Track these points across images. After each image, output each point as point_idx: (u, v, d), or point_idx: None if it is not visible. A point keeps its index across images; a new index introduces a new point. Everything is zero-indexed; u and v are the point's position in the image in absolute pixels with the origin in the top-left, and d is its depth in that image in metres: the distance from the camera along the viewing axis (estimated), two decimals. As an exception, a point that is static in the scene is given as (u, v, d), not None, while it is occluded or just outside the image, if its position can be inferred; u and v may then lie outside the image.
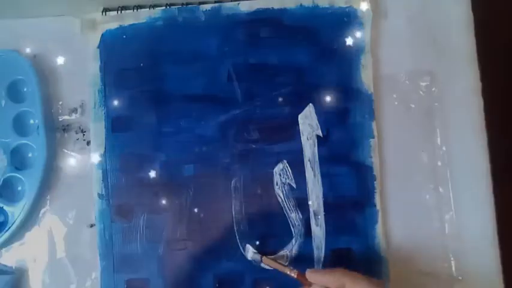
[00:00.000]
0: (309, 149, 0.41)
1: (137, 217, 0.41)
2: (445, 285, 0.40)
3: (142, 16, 0.43)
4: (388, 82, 0.43)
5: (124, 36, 0.43)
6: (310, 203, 0.41)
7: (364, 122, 0.41)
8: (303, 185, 0.41)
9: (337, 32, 0.42)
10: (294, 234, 0.41)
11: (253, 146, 0.42)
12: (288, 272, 0.38)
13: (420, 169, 0.42)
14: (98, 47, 0.43)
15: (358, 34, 0.42)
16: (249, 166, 0.41)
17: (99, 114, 0.43)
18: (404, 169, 0.42)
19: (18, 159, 0.43)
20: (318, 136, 0.41)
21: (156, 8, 0.44)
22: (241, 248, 0.41)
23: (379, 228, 0.40)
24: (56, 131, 0.44)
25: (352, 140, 0.41)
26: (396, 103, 0.43)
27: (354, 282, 0.33)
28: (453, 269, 0.41)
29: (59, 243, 0.43)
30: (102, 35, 0.43)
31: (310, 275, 0.36)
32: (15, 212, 0.42)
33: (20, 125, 0.43)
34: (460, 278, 0.40)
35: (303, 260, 0.40)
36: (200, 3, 0.44)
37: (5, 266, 0.43)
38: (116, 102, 0.43)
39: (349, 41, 0.42)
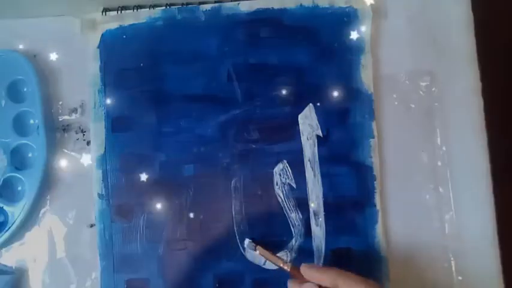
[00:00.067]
0: (309, 149, 0.41)
1: (137, 217, 0.41)
2: (445, 285, 0.40)
3: (142, 16, 0.43)
4: (388, 82, 0.43)
5: (124, 36, 0.43)
6: (310, 203, 0.41)
7: (364, 122, 0.41)
8: (303, 185, 0.41)
9: (337, 32, 0.42)
10: (294, 234, 0.41)
11: (253, 146, 0.42)
12: (281, 265, 0.38)
13: (420, 169, 0.42)
14: (98, 47, 0.43)
15: (358, 34, 0.42)
16: (249, 166, 0.41)
17: (99, 114, 0.43)
18: (404, 169, 0.42)
19: (18, 159, 0.43)
20: (318, 136, 0.41)
21: (156, 8, 0.44)
22: (241, 248, 0.41)
23: (379, 228, 0.40)
24: (56, 131, 0.44)
25: (352, 140, 0.41)
26: (396, 103, 0.43)
27: (348, 283, 0.33)
28: (453, 269, 0.41)
29: (59, 243, 0.43)
30: (102, 35, 0.43)
31: (304, 269, 0.35)
32: (15, 212, 0.42)
33: (20, 125, 0.43)
34: (460, 278, 0.40)
35: (303, 260, 0.40)
36: (200, 3, 0.44)
37: (5, 266, 0.43)
38: (116, 102, 0.43)
39: (349, 41, 0.42)
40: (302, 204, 0.41)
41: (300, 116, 0.42)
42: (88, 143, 0.43)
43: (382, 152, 0.42)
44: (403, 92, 0.43)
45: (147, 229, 0.41)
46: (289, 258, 0.40)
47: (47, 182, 0.43)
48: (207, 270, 0.40)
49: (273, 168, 0.41)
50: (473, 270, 0.40)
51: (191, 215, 0.41)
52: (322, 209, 0.41)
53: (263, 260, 0.40)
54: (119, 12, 0.44)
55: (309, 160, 0.41)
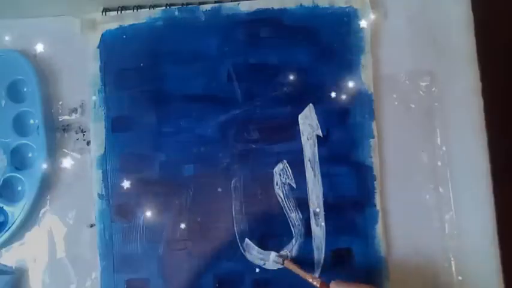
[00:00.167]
0: (309, 149, 0.41)
1: (137, 217, 0.41)
2: (445, 285, 0.40)
3: (142, 16, 0.43)
4: (388, 82, 0.43)
5: (124, 36, 0.43)
6: (310, 203, 0.41)
7: (364, 122, 0.41)
8: (303, 185, 0.41)
9: (337, 32, 0.42)
10: (294, 234, 0.41)
11: (253, 146, 0.42)
12: (310, 280, 0.37)
13: (420, 169, 0.42)
14: (98, 47, 0.43)
15: (358, 34, 0.42)
16: (249, 166, 0.41)
17: (99, 114, 0.43)
18: (404, 169, 0.42)
19: (18, 159, 0.43)
20: (318, 136, 0.41)
21: (156, 8, 0.44)
22: (241, 248, 0.41)
23: (379, 228, 0.40)
24: (56, 131, 0.44)
25: (352, 140, 0.41)
26: (396, 103, 0.43)
27: None
28: (453, 269, 0.41)
29: (59, 243, 0.43)
30: (102, 35, 0.43)
31: (334, 287, 0.35)
32: (15, 212, 0.42)
33: (20, 125, 0.43)
34: (460, 278, 0.40)
35: (303, 260, 0.40)
36: (200, 3, 0.44)
37: (5, 266, 0.43)
38: (116, 102, 0.43)
39: (349, 41, 0.42)
40: (302, 204, 0.41)
41: (300, 116, 0.42)
42: (88, 143, 0.43)
43: (382, 152, 0.42)
44: (403, 92, 0.43)
45: (147, 229, 0.41)
46: (289, 258, 0.40)
47: (47, 182, 0.43)
48: (207, 270, 0.40)
49: (273, 168, 0.41)
50: (473, 270, 0.40)
51: (191, 215, 0.41)
52: (322, 209, 0.41)
53: (263, 260, 0.40)
54: (119, 12, 0.44)
55: (309, 160, 0.41)
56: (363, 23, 0.42)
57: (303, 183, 0.41)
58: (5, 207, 0.42)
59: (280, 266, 0.40)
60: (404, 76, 0.43)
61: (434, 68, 0.43)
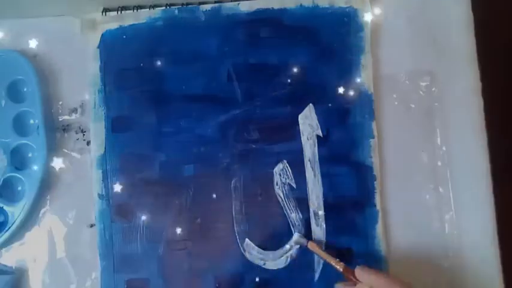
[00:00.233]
0: (309, 149, 0.41)
1: (137, 217, 0.41)
2: (445, 285, 0.40)
3: (142, 16, 0.43)
4: (388, 82, 0.43)
5: (124, 37, 0.43)
6: (310, 203, 0.41)
7: (364, 122, 0.41)
8: (303, 185, 0.41)
9: (337, 32, 0.42)
10: (293, 234, 0.41)
11: (253, 146, 0.42)
12: (334, 264, 0.37)
13: (420, 169, 0.42)
14: (98, 47, 0.43)
15: (358, 34, 0.42)
16: (249, 166, 0.41)
17: (99, 114, 0.43)
18: (404, 169, 0.42)
19: (18, 159, 0.43)
20: (318, 136, 0.41)
21: (156, 8, 0.44)
22: (241, 248, 0.41)
23: (379, 228, 0.40)
24: (56, 131, 0.44)
25: (352, 140, 0.41)
26: (396, 103, 0.43)
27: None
28: (453, 268, 0.41)
29: (59, 243, 0.43)
30: (102, 35, 0.43)
31: (359, 272, 0.35)
32: (15, 212, 0.42)
33: (20, 125, 0.43)
34: (460, 277, 0.40)
35: (303, 260, 0.40)
36: (200, 3, 0.44)
37: (5, 266, 0.43)
38: (115, 102, 0.43)
39: (349, 41, 0.42)
40: (302, 204, 0.41)
41: (300, 116, 0.42)
42: (88, 143, 0.43)
43: (382, 152, 0.42)
44: (403, 92, 0.43)
45: (147, 229, 0.41)
46: (289, 260, 0.40)
47: (47, 182, 0.43)
48: (207, 270, 0.40)
49: (273, 168, 0.41)
50: (473, 270, 0.40)
51: (191, 215, 0.41)
52: (322, 209, 0.41)
53: (263, 260, 0.40)
54: (119, 12, 0.44)
55: (309, 160, 0.41)
56: (363, 23, 0.42)
57: (303, 183, 0.41)
58: (5, 207, 0.42)
59: (283, 261, 0.40)
60: (404, 76, 0.43)
61: (434, 68, 0.43)
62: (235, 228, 0.41)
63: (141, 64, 0.43)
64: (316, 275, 0.40)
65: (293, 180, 0.41)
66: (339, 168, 0.41)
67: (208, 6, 0.43)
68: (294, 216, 0.41)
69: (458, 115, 0.42)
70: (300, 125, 0.42)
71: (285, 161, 0.41)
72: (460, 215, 0.41)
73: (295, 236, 0.40)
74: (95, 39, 0.43)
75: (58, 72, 0.45)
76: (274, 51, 0.42)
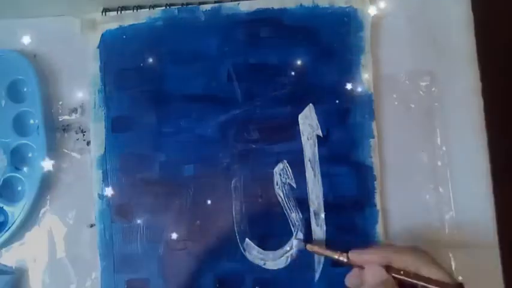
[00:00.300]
0: (309, 149, 0.41)
1: (137, 217, 0.41)
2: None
3: (142, 16, 0.43)
4: (388, 82, 0.43)
5: (124, 37, 0.43)
6: (310, 203, 0.41)
7: (364, 122, 0.41)
8: (303, 185, 0.41)
9: (337, 32, 0.42)
10: (294, 234, 0.41)
11: (253, 146, 0.42)
12: (337, 257, 0.37)
13: (420, 169, 0.42)
14: (98, 47, 0.43)
15: (358, 34, 0.42)
16: (249, 166, 0.41)
17: (99, 114, 0.42)
18: (404, 169, 0.42)
19: (18, 159, 0.43)
20: (318, 136, 0.41)
21: (156, 8, 0.44)
22: (241, 248, 0.41)
23: (379, 228, 0.40)
24: (56, 131, 0.44)
25: (352, 140, 0.41)
26: (396, 103, 0.43)
27: (399, 256, 0.33)
28: (453, 268, 0.41)
29: (59, 243, 0.43)
30: (102, 35, 0.43)
31: (354, 256, 0.35)
32: (15, 212, 0.42)
33: (20, 125, 0.43)
34: (460, 278, 0.40)
35: (303, 260, 0.40)
36: (200, 3, 0.44)
37: (5, 266, 0.43)
38: (116, 102, 0.43)
39: (349, 41, 0.42)
40: (302, 204, 0.41)
41: (300, 116, 0.42)
42: (88, 143, 0.43)
43: (382, 152, 0.42)
44: (403, 92, 0.43)
45: (147, 229, 0.41)
46: (289, 260, 0.40)
47: (47, 182, 0.43)
48: (208, 270, 0.40)
49: (273, 168, 0.41)
50: (473, 271, 0.40)
51: (191, 215, 0.41)
52: (322, 209, 0.41)
53: (263, 260, 0.40)
54: (119, 12, 0.44)
55: (309, 160, 0.41)
56: (363, 23, 0.42)
57: (303, 183, 0.41)
58: (5, 207, 0.42)
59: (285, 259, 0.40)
60: (404, 76, 0.43)
61: (434, 68, 0.43)
62: (235, 228, 0.41)
63: (141, 64, 0.43)
64: (317, 275, 0.40)
65: (293, 180, 0.41)
66: (339, 168, 0.41)
67: (208, 6, 0.43)
68: (294, 216, 0.41)
69: (458, 115, 0.42)
70: (300, 125, 0.42)
71: (285, 161, 0.41)
72: (460, 215, 0.41)
73: (294, 243, 0.40)
74: (94, 39, 0.43)
75: (58, 72, 0.45)
76: (274, 51, 0.42)
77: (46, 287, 0.42)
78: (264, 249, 0.40)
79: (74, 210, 0.43)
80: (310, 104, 0.42)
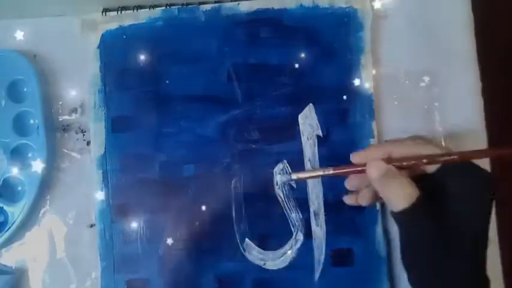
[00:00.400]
0: (309, 148, 0.41)
1: (137, 217, 0.41)
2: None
3: (142, 16, 0.43)
4: (388, 82, 0.43)
5: (124, 37, 0.43)
6: (310, 203, 0.41)
7: (364, 122, 0.41)
8: (303, 185, 0.41)
9: (337, 32, 0.42)
10: (294, 234, 0.41)
11: (254, 146, 0.42)
12: (323, 173, 0.36)
13: (420, 169, 0.42)
14: (98, 47, 0.43)
15: (358, 34, 0.42)
16: (249, 166, 0.41)
17: (99, 114, 0.43)
18: (404, 169, 0.42)
19: (18, 159, 0.43)
20: (318, 136, 0.41)
21: (156, 8, 0.44)
22: (241, 248, 0.41)
23: (379, 228, 0.40)
24: (56, 131, 0.44)
25: (352, 140, 0.41)
26: (396, 103, 0.43)
27: (398, 146, 0.33)
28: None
29: (59, 243, 0.43)
30: (102, 35, 0.43)
31: (355, 157, 0.35)
32: (15, 212, 0.42)
33: (20, 125, 0.43)
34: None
35: (304, 260, 0.40)
36: (200, 3, 0.44)
37: (5, 266, 0.43)
38: (116, 103, 0.43)
39: (349, 41, 0.42)
40: (302, 204, 0.41)
41: (300, 116, 0.42)
42: (88, 143, 0.43)
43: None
44: (403, 91, 0.43)
45: (147, 229, 0.41)
46: (289, 260, 0.40)
47: (47, 182, 0.43)
48: (208, 270, 0.40)
49: (273, 168, 0.41)
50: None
51: (191, 214, 0.41)
52: (322, 209, 0.41)
53: (263, 260, 0.40)
54: (119, 12, 0.44)
55: (309, 160, 0.41)
56: (363, 23, 0.42)
57: (303, 183, 0.41)
58: (5, 207, 0.42)
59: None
60: (404, 76, 0.43)
61: (434, 67, 0.43)
62: (235, 228, 0.41)
63: (141, 64, 0.43)
64: (317, 275, 0.40)
65: (291, 182, 0.41)
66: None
67: (208, 6, 0.43)
68: (294, 216, 0.41)
69: (458, 115, 0.42)
70: (300, 125, 0.42)
71: (285, 161, 0.41)
72: (460, 215, 0.41)
73: (278, 178, 0.40)
74: (95, 39, 0.43)
75: (58, 72, 0.45)
76: (275, 52, 0.42)
77: (46, 287, 0.42)
78: (264, 249, 0.40)
79: (74, 210, 0.43)
80: (310, 104, 0.42)
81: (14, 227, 0.41)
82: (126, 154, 0.42)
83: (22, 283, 0.42)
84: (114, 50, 0.43)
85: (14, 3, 0.43)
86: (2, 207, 0.42)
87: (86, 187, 0.42)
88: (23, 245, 0.43)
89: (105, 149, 0.42)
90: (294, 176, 0.37)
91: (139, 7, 0.44)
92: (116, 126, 0.42)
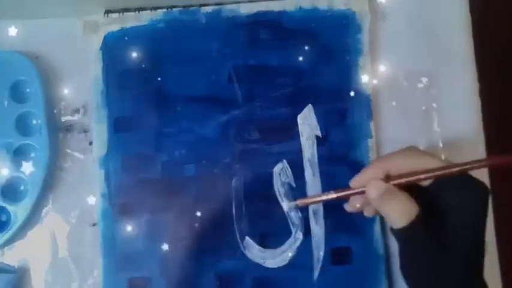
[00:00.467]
0: (308, 149, 0.42)
1: (139, 216, 0.42)
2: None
3: (144, 18, 0.44)
4: (386, 83, 0.43)
5: (126, 38, 0.44)
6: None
7: (362, 123, 0.42)
8: (302, 185, 0.41)
9: (336, 34, 0.43)
10: (293, 233, 0.41)
11: (254, 146, 0.42)
12: (326, 198, 0.36)
13: (418, 169, 0.42)
14: (100, 48, 0.43)
15: (357, 36, 0.42)
16: (249, 166, 0.42)
17: (102, 114, 0.43)
18: (403, 169, 0.42)
19: (21, 159, 0.43)
20: (317, 136, 0.42)
21: (158, 10, 0.44)
22: (241, 246, 0.41)
23: (377, 226, 0.41)
24: (59, 131, 0.44)
25: (350, 140, 0.42)
26: (394, 103, 0.43)
27: (394, 163, 0.33)
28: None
29: (62, 242, 0.43)
30: (104, 36, 0.43)
31: (354, 182, 0.34)
32: (18, 211, 0.42)
33: (22, 125, 0.43)
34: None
35: (303, 259, 0.41)
36: (201, 5, 0.44)
37: (8, 265, 0.43)
38: (118, 103, 0.43)
39: (347, 43, 0.42)
40: (302, 203, 0.41)
41: (299, 117, 0.42)
42: (90, 143, 0.44)
43: (380, 152, 0.42)
44: (401, 92, 0.43)
45: (148, 228, 0.41)
46: (289, 258, 0.41)
47: (50, 181, 0.43)
48: (208, 268, 0.41)
49: (273, 168, 0.42)
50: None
51: (192, 214, 0.41)
52: (321, 208, 0.41)
53: (263, 259, 0.41)
54: (121, 14, 0.44)
55: (308, 160, 0.42)
56: (362, 25, 0.42)
57: (303, 182, 0.41)
58: (8, 207, 0.42)
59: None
60: (403, 77, 0.43)
61: (432, 68, 0.43)
62: (236, 227, 0.41)
63: (143, 65, 0.43)
64: (316, 273, 0.40)
65: (292, 180, 0.41)
66: (337, 168, 0.41)
67: (209, 9, 0.44)
68: (294, 215, 0.41)
69: (456, 116, 0.43)
70: (299, 126, 0.42)
71: (284, 161, 0.42)
72: (458, 214, 0.41)
73: (285, 206, 0.40)
74: (97, 40, 0.43)
75: (60, 73, 0.45)
76: (274, 53, 0.43)
77: (48, 286, 0.42)
78: (264, 247, 0.41)
79: (76, 210, 0.43)
80: (309, 105, 0.42)
81: (16, 226, 0.42)
82: (128, 154, 0.42)
83: (24, 282, 0.42)
84: (116, 51, 0.43)
85: (16, 4, 0.43)
86: (5, 207, 0.42)
87: (88, 187, 0.43)
88: (26, 244, 0.43)
89: (107, 149, 0.42)
90: (300, 203, 0.38)
91: (141, 9, 0.44)
92: (117, 127, 0.43)
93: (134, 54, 0.43)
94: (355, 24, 0.43)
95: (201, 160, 0.42)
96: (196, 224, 0.41)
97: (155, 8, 0.44)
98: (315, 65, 0.43)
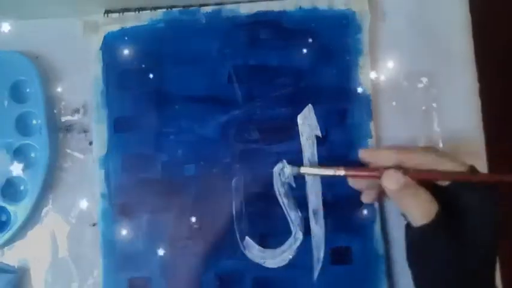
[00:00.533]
0: (308, 149, 0.42)
1: (139, 216, 0.42)
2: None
3: (144, 18, 0.44)
4: (386, 83, 0.43)
5: (126, 38, 0.44)
6: (309, 202, 0.41)
7: (362, 123, 0.42)
8: (302, 184, 0.41)
9: (336, 34, 0.43)
10: (293, 233, 0.41)
11: (254, 146, 0.42)
12: (333, 173, 0.35)
13: (418, 169, 0.42)
14: (100, 48, 0.43)
15: (357, 36, 0.43)
16: (249, 166, 0.42)
17: (102, 114, 0.43)
18: (402, 169, 0.42)
19: (21, 159, 0.43)
20: (317, 136, 0.42)
21: (158, 10, 0.44)
22: (241, 246, 0.41)
23: (377, 226, 0.41)
24: (59, 131, 0.44)
25: (350, 140, 0.42)
26: (394, 103, 0.43)
27: (412, 158, 0.33)
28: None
29: (62, 242, 0.43)
30: (104, 36, 0.43)
31: (364, 153, 0.35)
32: (18, 211, 0.42)
33: (22, 125, 0.43)
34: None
35: (303, 259, 0.41)
36: (201, 5, 0.44)
37: (7, 265, 0.43)
38: (117, 103, 0.43)
39: (347, 43, 0.43)
40: (301, 203, 0.41)
41: (299, 117, 0.42)
42: (90, 143, 0.44)
43: (381, 152, 0.42)
44: (401, 92, 0.43)
45: (149, 228, 0.42)
46: (289, 258, 0.41)
47: (50, 181, 0.43)
48: (209, 268, 0.41)
49: (273, 168, 0.42)
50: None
51: (192, 214, 0.41)
52: (321, 208, 0.41)
53: (263, 259, 0.41)
54: (121, 14, 0.44)
55: (308, 160, 0.42)
56: (362, 25, 0.42)
57: (302, 182, 0.41)
58: (8, 207, 0.42)
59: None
60: (403, 77, 0.44)
61: (432, 68, 0.43)
62: (236, 227, 0.41)
63: (143, 65, 0.43)
64: (316, 273, 0.40)
65: (292, 180, 0.41)
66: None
67: (209, 9, 0.44)
68: (294, 214, 0.41)
69: (456, 116, 0.43)
70: (299, 126, 0.42)
71: (284, 161, 0.42)
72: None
73: (287, 170, 0.40)
74: (97, 40, 0.43)
75: (60, 73, 0.45)
76: (274, 53, 0.43)
77: (48, 286, 0.42)
78: (264, 247, 0.41)
79: (76, 210, 0.43)
80: (309, 105, 0.42)
81: (16, 226, 0.42)
82: (128, 154, 0.42)
83: (24, 282, 0.43)
84: (116, 51, 0.43)
85: (16, 4, 0.43)
86: (5, 207, 0.42)
87: (88, 186, 0.43)
88: (26, 244, 0.43)
89: (107, 149, 0.43)
90: (303, 170, 0.37)
91: (141, 9, 0.44)
92: (117, 127, 0.43)
93: (134, 54, 0.43)
94: (355, 24, 0.43)
95: (201, 160, 0.42)
96: (196, 224, 0.41)
97: (155, 8, 0.44)
98: (315, 65, 0.43)
